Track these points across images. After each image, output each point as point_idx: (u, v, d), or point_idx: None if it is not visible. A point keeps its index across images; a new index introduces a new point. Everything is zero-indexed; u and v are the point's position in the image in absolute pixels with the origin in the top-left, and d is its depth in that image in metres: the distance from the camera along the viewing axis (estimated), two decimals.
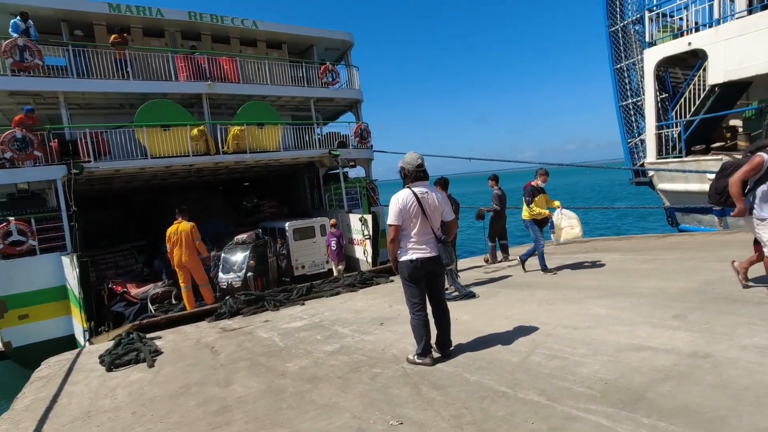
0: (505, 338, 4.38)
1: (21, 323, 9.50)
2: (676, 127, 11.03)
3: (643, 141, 12.16)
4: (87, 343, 7.80)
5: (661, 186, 11.49)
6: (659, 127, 11.37)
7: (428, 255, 3.95)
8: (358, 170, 16.55)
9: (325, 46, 16.82)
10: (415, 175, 4.04)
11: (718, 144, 10.45)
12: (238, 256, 10.32)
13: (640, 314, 4.55)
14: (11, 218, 9.68)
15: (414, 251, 3.95)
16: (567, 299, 5.60)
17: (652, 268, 6.71)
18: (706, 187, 10.32)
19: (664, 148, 11.24)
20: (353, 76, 16.70)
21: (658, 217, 21.55)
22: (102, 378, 5.02)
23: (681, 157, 10.79)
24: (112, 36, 12.22)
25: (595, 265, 7.74)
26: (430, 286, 4.09)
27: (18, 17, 10.84)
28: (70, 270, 9.22)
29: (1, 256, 9.45)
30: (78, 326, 9.15)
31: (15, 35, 10.65)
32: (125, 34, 12.59)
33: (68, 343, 9.20)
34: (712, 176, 9.95)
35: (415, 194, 3.96)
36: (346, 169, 15.59)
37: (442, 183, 6.55)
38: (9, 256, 9.50)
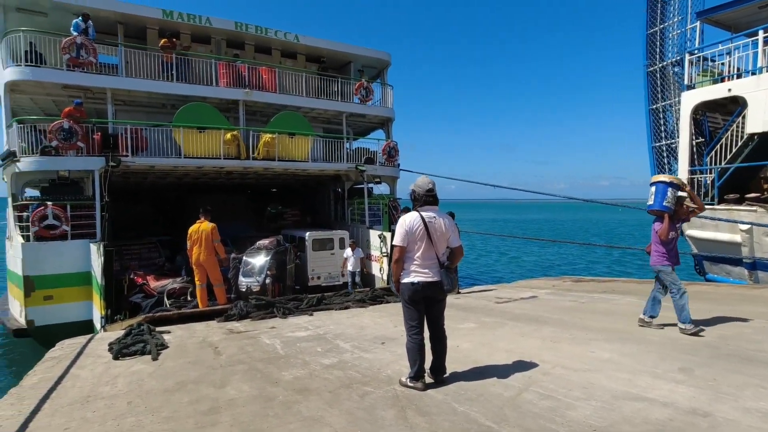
0: (502, 372, 4.32)
1: (45, 303, 9.93)
2: (710, 173, 10.71)
3: None
4: (101, 330, 8.08)
5: (690, 232, 11.11)
6: (692, 172, 11.06)
7: (430, 279, 3.97)
8: (383, 187, 16.72)
9: (363, 64, 17.22)
10: (424, 199, 4.09)
11: (753, 195, 10.06)
12: (259, 261, 10.55)
13: (644, 363, 4.41)
14: (49, 203, 10.23)
15: (416, 274, 3.98)
16: (573, 339, 5.48)
17: (668, 316, 6.47)
18: (737, 237, 9.95)
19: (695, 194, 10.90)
20: (387, 94, 16.99)
21: (686, 263, 20.74)
22: (107, 365, 5.21)
23: (713, 204, 10.43)
24: (162, 40, 12.90)
25: (609, 306, 7.53)
26: (429, 311, 4.10)
27: (80, 18, 11.62)
28: (96, 257, 9.63)
29: (35, 238, 9.96)
30: (97, 312, 9.51)
31: (75, 34, 11.41)
32: (174, 39, 13.27)
33: (86, 327, 9.54)
34: (745, 227, 9.62)
35: (422, 218, 4.00)
36: (371, 185, 15.77)
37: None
38: (42, 238, 10.01)
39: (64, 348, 6.19)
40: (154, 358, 5.36)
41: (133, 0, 12.84)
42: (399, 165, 16.36)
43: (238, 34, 14.30)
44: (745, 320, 5.96)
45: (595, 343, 5.24)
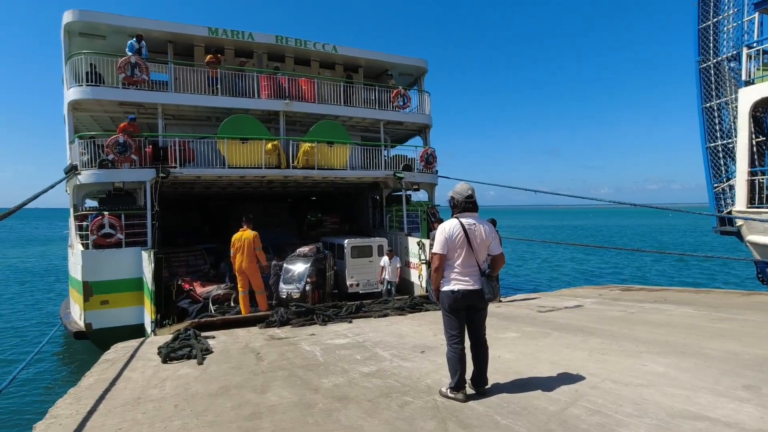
0: (546, 384, 4.16)
1: (102, 308, 10.50)
2: None
3: (731, 187, 11.06)
4: (151, 334, 8.45)
5: (751, 237, 10.33)
6: (753, 173, 10.30)
7: (470, 287, 3.88)
8: (422, 194, 16.65)
9: (400, 72, 17.30)
10: (464, 205, 4.03)
11: None
12: (299, 268, 10.74)
13: (703, 379, 4.11)
14: (106, 213, 10.86)
15: (456, 282, 3.91)
16: (622, 351, 5.20)
17: (728, 328, 6.04)
18: None
19: (757, 196, 10.14)
20: (424, 101, 16.97)
21: (748, 271, 19.32)
22: (156, 368, 5.43)
23: None
24: (208, 56, 13.50)
25: (662, 317, 7.11)
26: (470, 320, 4.01)
27: (134, 39, 12.37)
28: (147, 264, 10.11)
29: (94, 246, 10.59)
30: (147, 317, 9.96)
31: (130, 54, 12.15)
32: (219, 55, 13.86)
33: (138, 331, 10.02)
34: None
35: (462, 225, 3.94)
36: (409, 192, 15.74)
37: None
38: (100, 246, 10.63)
39: (118, 351, 6.52)
40: (200, 363, 5.54)
41: (180, 19, 13.58)
42: (437, 171, 16.26)
43: (278, 48, 14.74)
44: None
45: (647, 356, 4.95)
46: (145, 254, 10.34)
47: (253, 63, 14.98)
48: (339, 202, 19.45)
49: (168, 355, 5.81)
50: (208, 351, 6.10)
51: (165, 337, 7.23)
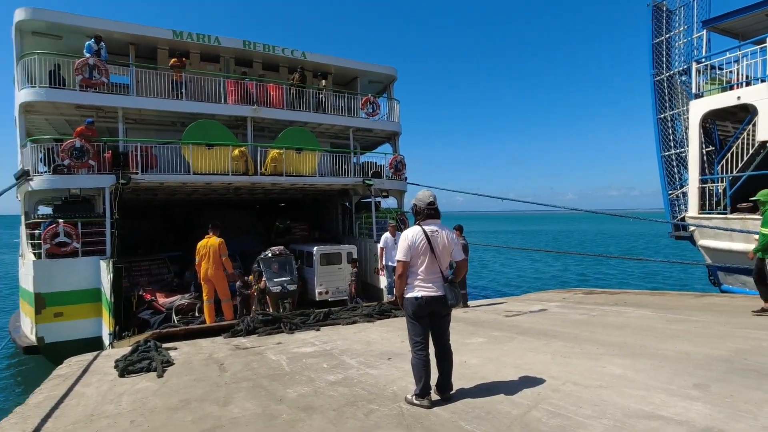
0: (510, 388, 4.22)
1: (55, 320, 9.99)
2: (722, 182, 10.54)
3: (685, 194, 11.66)
4: (109, 346, 8.09)
5: (703, 242, 10.89)
6: (703, 181, 10.89)
7: (434, 294, 3.91)
8: (391, 201, 16.71)
9: (369, 79, 17.38)
10: (426, 212, 4.07)
11: None
12: (284, 263, 10.82)
13: (658, 378, 4.28)
14: (61, 220, 10.37)
15: (420, 289, 3.93)
16: (583, 354, 5.35)
17: (681, 329, 6.31)
18: (751, 246, 9.71)
19: (707, 203, 10.72)
20: (394, 109, 17.10)
21: (701, 274, 20.37)
22: (113, 383, 5.19)
23: (726, 213, 10.24)
24: (172, 60, 13.16)
25: (621, 320, 7.37)
26: (434, 326, 4.04)
27: (92, 40, 11.93)
28: (105, 274, 9.70)
29: (47, 255, 10.08)
30: (105, 329, 9.54)
31: (88, 55, 11.71)
32: (184, 59, 13.54)
33: (96, 344, 9.57)
34: (758, 237, 9.39)
35: (424, 232, 3.97)
36: (378, 199, 15.78)
37: (459, 229, 7.68)
38: (53, 255, 10.12)
39: (71, 365, 6.20)
40: (160, 376, 5.33)
41: (143, 21, 13.21)
42: (406, 178, 16.38)
43: (246, 53, 14.56)
44: (761, 332, 5.78)
45: (606, 358, 5.11)
46: (103, 264, 9.93)
47: (219, 68, 14.72)
48: (308, 209, 19.28)
49: (126, 368, 5.57)
50: (168, 363, 5.89)
51: (123, 349, 6.93)
